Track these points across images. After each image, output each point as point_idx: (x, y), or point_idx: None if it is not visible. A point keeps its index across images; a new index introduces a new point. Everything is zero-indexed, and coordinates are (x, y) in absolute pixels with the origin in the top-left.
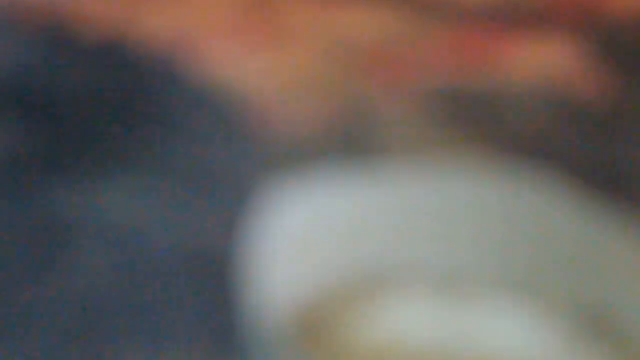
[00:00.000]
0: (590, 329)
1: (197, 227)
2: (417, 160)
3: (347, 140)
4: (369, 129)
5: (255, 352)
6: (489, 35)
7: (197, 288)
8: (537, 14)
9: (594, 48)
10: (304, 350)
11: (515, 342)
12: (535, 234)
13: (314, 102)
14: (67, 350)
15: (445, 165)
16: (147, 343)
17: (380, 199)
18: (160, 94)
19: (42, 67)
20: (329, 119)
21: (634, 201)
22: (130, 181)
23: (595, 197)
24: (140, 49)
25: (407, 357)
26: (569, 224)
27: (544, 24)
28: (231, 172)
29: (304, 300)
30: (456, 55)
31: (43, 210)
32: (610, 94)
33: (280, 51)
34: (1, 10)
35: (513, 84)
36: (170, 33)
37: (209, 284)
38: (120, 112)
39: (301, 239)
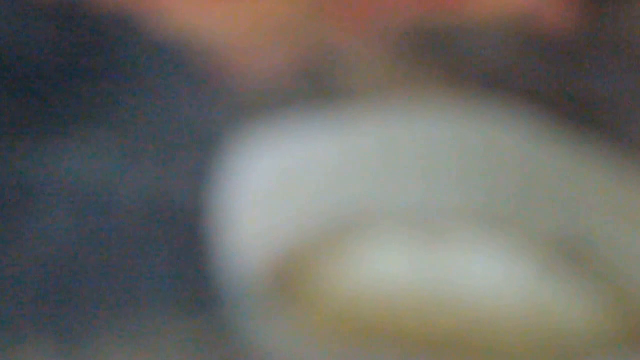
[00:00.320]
0: (569, 261)
1: (165, 182)
2: (387, 101)
3: (316, 86)
4: (337, 73)
5: (230, 306)
6: None
7: (167, 244)
8: None
9: None
10: (280, 301)
11: (494, 279)
12: (509, 168)
13: (279, 48)
14: (34, 315)
15: (415, 105)
16: (118, 303)
17: (351, 142)
18: (120, 48)
19: None
20: (296, 65)
21: (606, 131)
22: (93, 139)
23: (568, 129)
24: (98, 2)
25: (385, 301)
26: (542, 157)
27: None
28: (198, 124)
29: (278, 250)
30: None
31: (2, 172)
32: (580, 25)
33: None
34: None
35: (481, 18)
36: None
37: (179, 240)
38: (80, 69)
39: (272, 188)
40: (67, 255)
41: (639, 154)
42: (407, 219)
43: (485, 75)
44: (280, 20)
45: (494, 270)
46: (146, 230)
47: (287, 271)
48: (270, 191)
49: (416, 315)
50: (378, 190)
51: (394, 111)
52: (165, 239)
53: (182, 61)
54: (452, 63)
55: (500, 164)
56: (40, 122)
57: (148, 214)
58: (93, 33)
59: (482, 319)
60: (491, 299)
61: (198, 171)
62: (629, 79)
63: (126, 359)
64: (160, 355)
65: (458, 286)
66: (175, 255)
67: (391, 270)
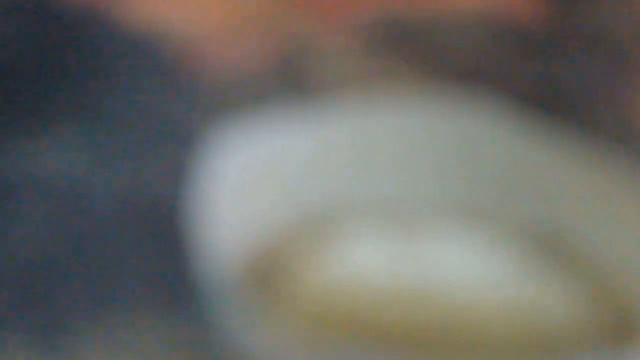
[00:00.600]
0: (548, 254)
1: (142, 179)
2: (362, 94)
3: (290, 78)
4: (311, 65)
5: (209, 303)
6: None
7: (145, 242)
8: None
9: None
10: (258, 297)
11: (473, 273)
12: (486, 161)
13: (252, 40)
14: (11, 314)
15: (391, 98)
16: (96, 302)
17: (327, 136)
18: (93, 43)
19: None
20: (269, 57)
21: (581, 124)
22: (67, 135)
23: (544, 122)
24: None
25: (364, 295)
26: (520, 150)
27: None
28: (172, 118)
29: (255, 246)
30: None
31: None
32: (551, 18)
33: None
34: None
35: (454, 10)
36: None
37: (158, 237)
38: (54, 65)
39: (248, 183)
40: (44, 254)
41: (614, 146)
42: (384, 212)
43: (459, 67)
44: (253, 12)
45: (473, 264)
46: (124, 228)
47: (264, 267)
48: (246, 186)
49: (396, 309)
50: (355, 184)
51: (369, 104)
52: (144, 236)
53: (155, 55)
54: (426, 55)
55: (477, 157)
56: (13, 117)
57: (125, 212)
58: (66, 28)
59: (462, 312)
60: (471, 293)
61: (175, 167)
62: (601, 72)
63: (105, 358)
64: (139, 354)
65: (437, 280)
66: (154, 253)
67: (370, 264)
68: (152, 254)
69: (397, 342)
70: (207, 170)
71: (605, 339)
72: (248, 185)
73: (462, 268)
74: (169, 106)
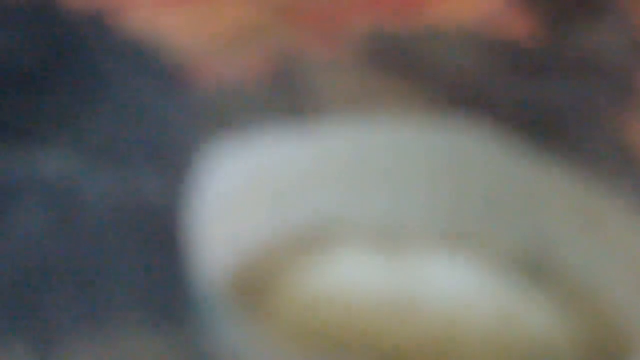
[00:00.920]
0: (534, 273)
1: (137, 186)
2: (353, 110)
3: (283, 91)
4: (304, 79)
5: (199, 314)
6: None
7: (139, 250)
8: None
9: None
10: (245, 310)
11: (460, 291)
12: (474, 178)
13: (246, 53)
14: (2, 320)
15: (382, 113)
16: (88, 309)
17: (318, 151)
18: (88, 53)
19: None
20: (263, 70)
21: (568, 143)
22: (65, 140)
23: (530, 139)
24: (67, 5)
25: (350, 311)
26: (506, 167)
27: None
28: (167, 127)
29: (243, 258)
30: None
31: None
32: (542, 36)
33: (208, 2)
34: None
35: (443, 28)
36: None
37: (151, 246)
38: (50, 70)
39: (238, 195)
40: (35, 260)
41: (605, 167)
42: (372, 229)
43: (450, 84)
44: (248, 24)
45: (461, 281)
46: (118, 235)
47: (252, 280)
48: (235, 198)
49: (381, 326)
50: (344, 200)
51: (362, 119)
52: (137, 244)
53: (151, 65)
54: (417, 71)
55: (468, 176)
56: (10, 122)
57: (120, 223)
58: (61, 36)
59: (447, 329)
60: (457, 310)
61: (168, 174)
62: (592, 92)
63: None
64: None
65: (423, 298)
66: (147, 261)
67: (357, 279)
68: (147, 263)
69: (383, 357)
70: (200, 180)
71: (592, 358)
72: (238, 198)
73: (449, 285)
74: (164, 114)
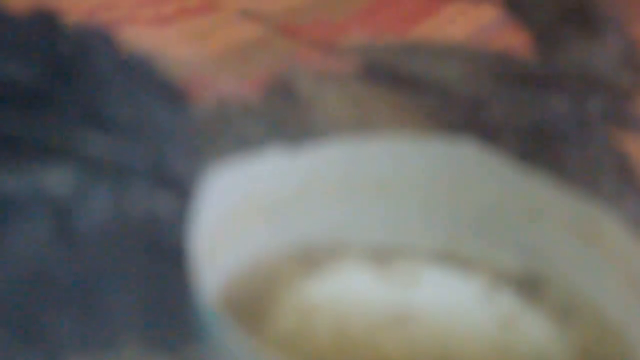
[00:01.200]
0: (531, 287)
1: (137, 200)
2: (349, 125)
3: (279, 107)
4: (299, 94)
5: (198, 331)
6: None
7: (139, 264)
8: None
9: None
10: (243, 326)
11: (457, 313)
12: (470, 196)
13: (244, 68)
14: (4, 326)
15: (377, 130)
16: (86, 322)
17: (313, 167)
18: (91, 68)
19: None
20: (260, 85)
21: (564, 157)
22: (68, 154)
23: (525, 154)
24: (69, 19)
25: (346, 328)
26: (503, 184)
27: None
28: (170, 143)
29: (239, 277)
30: (385, 17)
31: None
32: (534, 49)
33: (203, 20)
34: None
35: (437, 41)
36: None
37: (151, 260)
38: (53, 86)
39: (234, 212)
40: (36, 275)
41: (597, 180)
42: (367, 244)
43: (446, 100)
44: (246, 40)
45: (456, 297)
46: (120, 250)
47: (247, 296)
48: (230, 215)
49: (376, 341)
50: (338, 215)
51: (356, 135)
52: (139, 259)
53: (153, 79)
54: (412, 85)
55: (462, 190)
56: (16, 136)
57: (122, 233)
58: (66, 48)
59: (443, 345)
60: (453, 325)
61: (172, 191)
62: (584, 104)
63: None
64: None
65: (420, 312)
66: (149, 277)
67: (351, 295)
68: (148, 281)
69: None
70: (198, 196)
71: None
72: (233, 214)
73: (445, 300)
74: (167, 131)
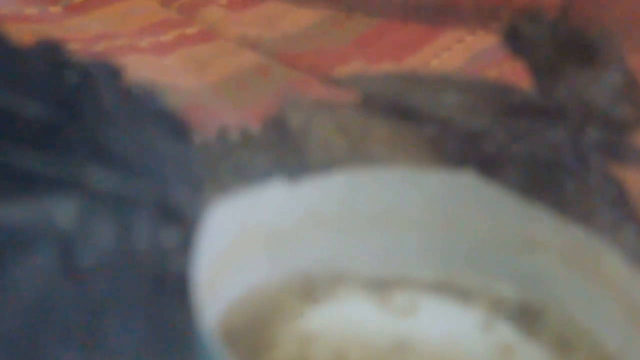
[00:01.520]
0: (530, 318)
1: (143, 232)
2: (347, 155)
3: (277, 137)
4: (297, 124)
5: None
6: (416, 27)
7: (143, 296)
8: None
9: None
10: (242, 356)
11: (453, 336)
12: (468, 226)
13: (244, 97)
14: (7, 358)
15: (375, 160)
16: (90, 352)
17: (312, 201)
18: (97, 100)
19: None
20: (260, 115)
21: (562, 188)
22: (75, 187)
23: (523, 185)
24: (72, 52)
25: (345, 357)
26: (501, 215)
27: (468, 16)
28: (174, 173)
29: (240, 310)
30: (383, 45)
31: None
32: (532, 80)
33: (202, 48)
34: None
35: (433, 71)
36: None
37: (154, 292)
38: (59, 118)
39: (233, 243)
40: (36, 313)
41: (596, 211)
42: (365, 275)
43: (440, 129)
44: (246, 69)
45: (454, 327)
46: (124, 282)
47: (245, 326)
48: (229, 246)
49: None
50: (336, 246)
51: (356, 172)
52: (143, 291)
53: (156, 110)
54: (409, 114)
55: (460, 220)
56: (23, 168)
57: (127, 265)
58: (71, 80)
59: None
60: (451, 355)
61: (177, 223)
62: (581, 135)
63: None
64: None
65: (418, 342)
66: (153, 309)
67: (349, 325)
68: (152, 312)
69: None
70: (200, 227)
71: None
72: (232, 245)
73: (443, 330)
74: (171, 162)
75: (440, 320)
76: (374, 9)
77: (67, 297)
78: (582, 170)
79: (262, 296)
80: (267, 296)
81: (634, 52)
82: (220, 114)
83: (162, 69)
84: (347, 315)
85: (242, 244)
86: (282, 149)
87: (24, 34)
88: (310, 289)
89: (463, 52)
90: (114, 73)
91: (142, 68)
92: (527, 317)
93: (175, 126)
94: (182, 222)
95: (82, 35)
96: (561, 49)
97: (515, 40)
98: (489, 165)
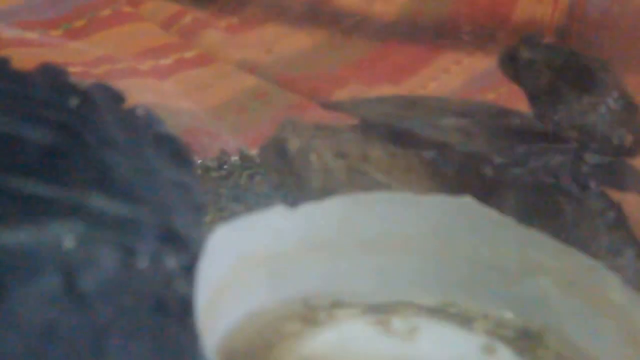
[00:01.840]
0: (530, 343)
1: (144, 257)
2: (346, 183)
3: (274, 167)
4: (296, 148)
5: None
6: (414, 50)
7: (147, 322)
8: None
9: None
10: None
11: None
12: (466, 250)
13: (239, 123)
14: None
15: (372, 184)
16: None
17: (312, 227)
18: (98, 124)
19: None
20: (259, 138)
21: (561, 213)
22: (79, 211)
23: (521, 210)
24: (73, 77)
25: None
26: (499, 239)
27: (466, 38)
28: (176, 198)
29: (240, 334)
30: (381, 68)
31: None
32: (529, 104)
33: (201, 71)
34: None
35: (438, 98)
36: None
37: (160, 319)
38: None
39: (231, 269)
40: (39, 336)
41: (595, 237)
42: (365, 304)
43: (437, 153)
44: (246, 92)
45: (453, 351)
46: (124, 313)
47: (245, 354)
48: (229, 273)
49: None
50: (338, 276)
51: (355, 197)
52: (144, 323)
53: (158, 134)
54: (406, 138)
55: (458, 244)
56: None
57: (130, 290)
58: (74, 105)
59: None
60: None
61: (181, 249)
62: (579, 159)
63: None
64: None
65: None
66: (154, 340)
67: (347, 349)
68: (154, 338)
69: None
70: (201, 253)
71: None
72: (231, 270)
73: (443, 355)
74: (173, 186)
75: (440, 344)
76: (371, 32)
77: (71, 321)
78: (581, 194)
79: (262, 320)
80: (267, 320)
81: (632, 74)
82: (219, 137)
83: (162, 93)
84: (347, 339)
85: (242, 268)
86: (281, 173)
87: (25, 59)
88: (310, 313)
89: (461, 74)
90: (114, 97)
91: (142, 92)
92: (527, 341)
93: (175, 150)
94: (185, 245)
95: (82, 59)
96: (559, 72)
97: (512, 65)
98: (487, 189)
